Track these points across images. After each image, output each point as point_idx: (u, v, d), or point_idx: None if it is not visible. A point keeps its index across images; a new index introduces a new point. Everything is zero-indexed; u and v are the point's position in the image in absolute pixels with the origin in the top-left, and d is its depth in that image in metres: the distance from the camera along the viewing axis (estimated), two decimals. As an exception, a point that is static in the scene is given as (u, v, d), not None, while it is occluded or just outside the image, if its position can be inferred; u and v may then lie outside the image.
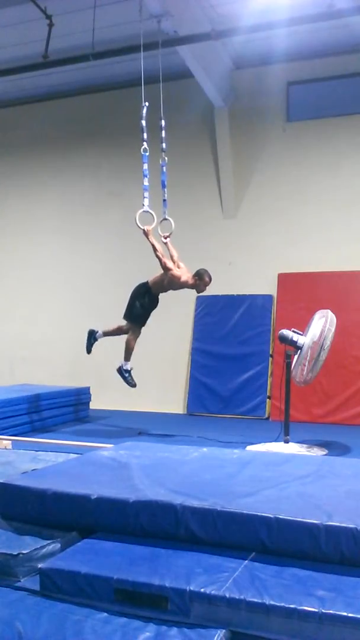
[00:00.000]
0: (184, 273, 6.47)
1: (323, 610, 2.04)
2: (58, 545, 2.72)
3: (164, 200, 6.49)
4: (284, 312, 8.27)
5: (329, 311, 5.84)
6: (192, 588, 2.20)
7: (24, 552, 2.58)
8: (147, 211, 6.18)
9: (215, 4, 7.25)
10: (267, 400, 8.24)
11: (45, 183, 9.99)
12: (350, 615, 2.02)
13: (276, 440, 5.94)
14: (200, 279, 6.45)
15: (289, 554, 2.46)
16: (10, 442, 5.63)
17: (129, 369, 6.64)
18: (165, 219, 6.50)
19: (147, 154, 6.18)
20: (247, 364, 8.43)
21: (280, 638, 2.08)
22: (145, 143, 6.18)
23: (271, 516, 2.51)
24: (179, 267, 6.54)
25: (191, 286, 6.51)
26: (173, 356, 8.93)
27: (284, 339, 5.81)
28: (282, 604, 2.09)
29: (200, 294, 6.95)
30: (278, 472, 3.31)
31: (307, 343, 5.68)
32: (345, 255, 8.23)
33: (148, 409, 8.66)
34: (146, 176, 6.17)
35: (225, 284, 8.73)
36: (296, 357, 5.84)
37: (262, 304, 8.58)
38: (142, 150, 6.16)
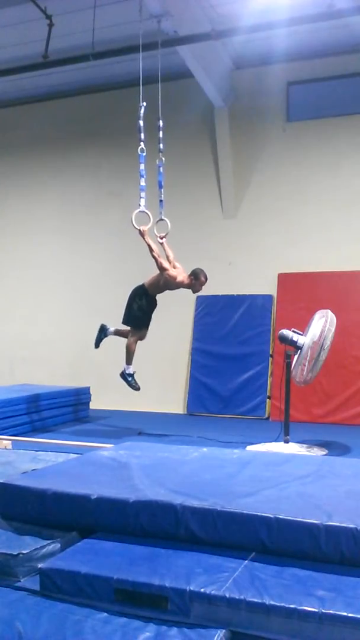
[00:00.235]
0: (180, 273, 6.48)
1: (323, 610, 2.04)
2: (58, 545, 2.72)
3: (161, 200, 6.49)
4: (284, 312, 8.27)
5: (329, 311, 5.84)
6: (192, 588, 2.20)
7: (24, 552, 2.58)
8: (144, 211, 6.19)
9: (215, 4, 7.25)
10: (267, 400, 8.24)
11: (45, 183, 10.00)
12: (350, 615, 2.02)
13: (276, 440, 5.94)
14: (196, 279, 6.45)
15: (289, 554, 2.46)
16: (10, 442, 5.62)
17: (132, 372, 6.63)
18: (161, 219, 6.50)
19: (144, 154, 6.18)
20: (247, 364, 8.43)
21: (280, 638, 2.08)
22: (142, 143, 6.17)
23: (271, 516, 2.51)
24: (174, 267, 6.55)
25: (187, 286, 6.51)
26: (173, 356, 8.93)
27: (284, 339, 5.81)
28: (282, 604, 2.09)
29: (197, 293, 6.93)
30: (278, 472, 3.31)
31: (307, 343, 5.68)
32: (345, 255, 8.23)
33: (148, 409, 8.66)
34: (143, 176, 6.17)
35: (225, 284, 8.74)
36: (296, 357, 5.84)
37: (262, 304, 8.58)
38: (139, 150, 6.16)
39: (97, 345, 6.93)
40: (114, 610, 2.26)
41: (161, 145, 6.46)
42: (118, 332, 6.89)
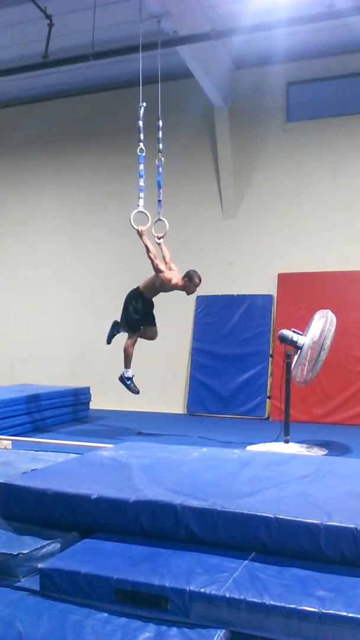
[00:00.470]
0: (175, 275, 6.47)
1: (323, 610, 2.04)
2: (58, 545, 2.72)
3: (159, 200, 6.49)
4: (284, 312, 8.27)
5: (329, 311, 5.84)
6: (192, 588, 2.20)
7: (24, 552, 2.58)
8: (142, 211, 6.19)
9: (215, 4, 7.25)
10: (267, 400, 8.24)
11: (45, 183, 10.00)
12: (350, 615, 2.02)
13: (276, 440, 5.94)
14: (190, 281, 6.43)
15: (289, 554, 2.46)
16: (10, 442, 5.62)
17: (131, 376, 6.63)
18: (159, 220, 6.50)
19: (144, 154, 6.18)
20: (247, 364, 8.43)
21: (280, 638, 2.08)
22: (141, 143, 6.17)
23: (271, 516, 2.51)
24: (170, 268, 6.54)
25: (181, 288, 6.50)
26: (173, 356, 8.93)
27: (284, 339, 5.81)
28: (282, 604, 2.09)
29: (196, 294, 6.89)
30: (278, 472, 3.31)
31: (307, 343, 5.68)
32: (345, 255, 8.23)
33: (148, 409, 8.66)
34: (142, 177, 6.17)
35: (225, 284, 8.74)
36: (296, 357, 5.84)
37: (262, 304, 8.57)
38: (138, 150, 6.16)
39: (109, 341, 6.88)
40: (114, 610, 2.26)
41: (160, 146, 6.46)
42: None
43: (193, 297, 8.57)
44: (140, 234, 6.22)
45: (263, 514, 2.53)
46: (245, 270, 8.76)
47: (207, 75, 7.92)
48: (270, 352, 8.37)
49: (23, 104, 10.05)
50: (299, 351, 5.76)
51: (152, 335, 6.81)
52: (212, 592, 2.17)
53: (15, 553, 2.56)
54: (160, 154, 6.47)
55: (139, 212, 6.18)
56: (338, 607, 2.05)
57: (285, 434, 5.78)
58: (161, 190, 6.49)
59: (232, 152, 8.74)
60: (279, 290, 8.49)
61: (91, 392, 8.19)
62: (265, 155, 8.74)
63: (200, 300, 8.83)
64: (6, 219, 10.28)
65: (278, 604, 2.09)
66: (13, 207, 10.24)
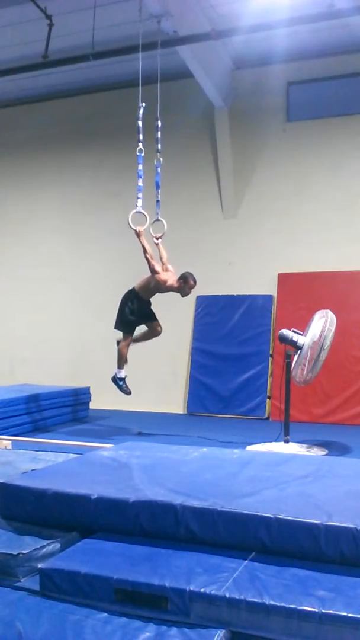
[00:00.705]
0: (170, 277, 6.45)
1: (323, 610, 2.04)
2: (58, 545, 2.72)
3: (157, 201, 6.49)
4: (284, 312, 8.27)
5: (329, 311, 5.84)
6: (192, 588, 2.20)
7: (24, 552, 2.58)
8: (140, 212, 6.19)
9: (215, 4, 7.25)
10: (267, 400, 8.24)
11: (45, 183, 10.00)
12: (350, 615, 2.02)
13: (276, 440, 5.94)
14: (185, 283, 6.41)
15: (289, 554, 2.46)
16: (10, 442, 5.62)
17: (123, 376, 6.64)
18: (157, 220, 6.50)
19: (142, 154, 6.19)
20: (247, 364, 8.43)
21: (280, 638, 2.08)
22: (140, 144, 6.18)
23: (271, 516, 2.51)
24: (167, 269, 6.54)
25: (176, 289, 6.48)
26: (173, 356, 8.93)
27: (284, 339, 5.80)
28: (282, 604, 2.09)
29: (197, 294, 6.87)
30: (278, 472, 3.31)
31: (307, 343, 5.68)
32: (345, 255, 8.23)
33: (148, 409, 8.66)
34: (140, 177, 6.17)
35: (225, 284, 8.74)
36: (296, 357, 5.84)
37: (262, 304, 8.57)
38: (137, 151, 6.17)
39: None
40: (114, 610, 2.26)
41: (159, 146, 6.46)
42: (137, 340, 6.79)
43: (193, 297, 8.59)
44: (137, 234, 6.22)
45: (263, 514, 2.53)
46: (245, 270, 8.76)
47: (207, 75, 7.92)
48: (270, 352, 8.37)
49: (23, 104, 10.05)
50: (299, 351, 5.76)
51: (156, 332, 6.74)
52: (212, 592, 2.17)
53: (15, 553, 2.56)
54: (158, 154, 6.47)
55: (137, 212, 6.18)
56: (338, 607, 2.05)
57: (285, 434, 5.78)
58: (159, 190, 6.49)
59: (232, 152, 8.74)
60: (279, 290, 8.49)
61: (91, 392, 8.19)
62: (265, 155, 8.74)
63: (200, 300, 8.83)
64: (6, 219, 10.28)
65: (278, 604, 2.09)
66: (13, 207, 10.24)
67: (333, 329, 5.63)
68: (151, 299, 6.70)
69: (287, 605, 2.08)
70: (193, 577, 2.27)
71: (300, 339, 5.76)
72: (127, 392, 6.69)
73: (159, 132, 6.44)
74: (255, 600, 2.12)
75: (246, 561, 2.43)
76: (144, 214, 6.22)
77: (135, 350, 6.67)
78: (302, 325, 6.04)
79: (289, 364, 5.81)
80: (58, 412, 7.53)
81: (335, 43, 8.04)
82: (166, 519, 2.67)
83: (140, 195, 6.17)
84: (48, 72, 8.27)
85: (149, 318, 6.72)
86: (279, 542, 2.49)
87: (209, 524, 2.60)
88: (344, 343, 7.39)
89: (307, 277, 8.31)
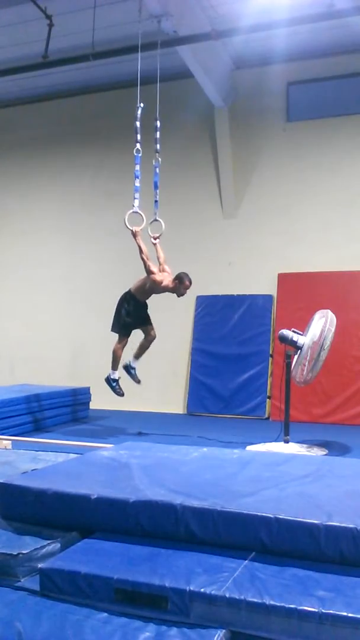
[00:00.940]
0: (166, 277, 6.44)
1: (323, 610, 2.04)
2: (58, 545, 2.72)
3: (156, 201, 6.49)
4: (284, 312, 8.27)
5: (329, 311, 5.84)
6: (192, 588, 2.20)
7: (24, 552, 2.58)
8: (137, 212, 6.19)
9: (215, 4, 7.25)
10: (267, 400, 8.24)
11: (45, 183, 10.00)
12: (350, 615, 2.02)
13: (276, 440, 5.94)
14: (181, 283, 6.38)
15: (289, 554, 2.46)
16: (10, 442, 5.62)
17: (117, 378, 6.65)
18: (155, 220, 6.50)
19: (140, 155, 6.20)
20: (247, 364, 8.43)
21: (280, 638, 2.08)
22: (138, 144, 6.18)
23: (271, 516, 2.51)
24: (164, 269, 6.53)
25: (172, 290, 6.46)
26: (173, 356, 8.93)
27: (284, 339, 5.80)
28: (282, 604, 2.09)
29: (190, 295, 6.79)
30: (278, 472, 3.31)
31: (307, 343, 5.68)
32: (345, 255, 8.23)
33: (148, 409, 8.66)
34: (137, 177, 6.18)
35: (225, 284, 8.75)
36: (296, 357, 5.84)
37: (262, 304, 8.58)
38: (134, 151, 6.17)
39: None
40: (114, 610, 2.26)
41: (158, 146, 6.47)
42: (138, 356, 6.74)
43: (193, 297, 8.60)
44: (134, 234, 6.22)
45: (263, 514, 2.53)
46: (245, 270, 8.76)
47: (207, 75, 7.92)
48: (270, 352, 8.37)
49: (23, 104, 10.05)
50: (299, 351, 5.76)
51: (150, 337, 6.71)
52: (212, 592, 2.17)
53: (15, 553, 2.56)
54: (157, 154, 6.47)
55: (133, 212, 6.19)
56: (338, 607, 2.05)
57: (285, 434, 5.78)
58: (158, 190, 6.49)
59: (232, 152, 8.74)
60: (278, 290, 8.49)
61: (91, 392, 8.19)
62: (265, 155, 8.75)
63: (200, 300, 8.83)
64: (6, 219, 10.28)
65: (278, 604, 2.09)
66: (13, 207, 10.24)
67: (333, 329, 5.63)
68: (149, 301, 6.69)
69: (287, 605, 2.08)
70: (193, 577, 2.27)
71: (300, 339, 5.76)
72: (120, 393, 6.70)
73: (158, 132, 6.45)
74: (255, 600, 2.11)
75: (246, 561, 2.43)
76: (140, 214, 6.23)
77: (121, 357, 6.66)
78: (302, 325, 6.04)
79: (289, 364, 5.81)
80: (58, 412, 7.53)
81: (335, 43, 8.04)
82: (166, 519, 2.66)
83: (137, 195, 6.18)
84: (48, 72, 8.27)
85: (145, 322, 6.68)
86: (279, 542, 2.49)
87: (209, 524, 2.60)
88: (344, 343, 7.39)
89: (307, 277, 8.31)
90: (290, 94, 8.71)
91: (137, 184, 6.18)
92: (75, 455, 4.11)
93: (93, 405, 8.24)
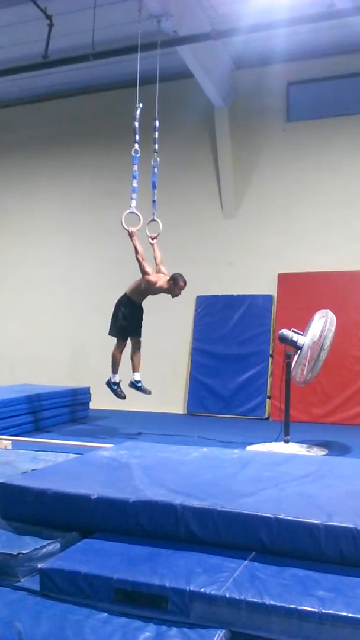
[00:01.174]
0: (161, 278, 6.43)
1: (323, 610, 2.04)
2: (58, 545, 2.72)
3: (154, 201, 6.49)
4: (284, 312, 8.27)
5: (329, 311, 5.84)
6: (192, 588, 2.20)
7: (24, 552, 2.58)
8: (134, 212, 6.19)
9: (215, 4, 7.25)
10: (267, 400, 8.24)
11: (45, 183, 10.00)
12: (350, 615, 2.01)
13: (276, 440, 5.94)
14: (175, 284, 6.38)
15: (289, 554, 2.46)
16: (10, 442, 5.62)
17: (118, 381, 6.65)
18: (153, 220, 6.50)
19: (138, 155, 6.20)
20: (247, 364, 8.43)
21: (280, 638, 2.08)
22: (136, 145, 6.19)
23: (271, 516, 2.51)
24: (159, 270, 6.52)
25: (166, 290, 6.45)
26: (173, 356, 8.93)
27: (284, 339, 5.80)
28: (282, 604, 2.09)
29: (176, 298, 6.73)
30: (278, 472, 3.31)
31: (307, 343, 5.68)
32: (345, 255, 8.23)
33: (148, 409, 8.66)
34: (135, 177, 6.19)
35: (225, 284, 8.75)
36: (296, 357, 5.84)
37: (262, 304, 8.58)
38: (132, 151, 6.17)
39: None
40: (114, 610, 2.26)
41: (156, 146, 6.47)
42: (135, 367, 6.72)
43: (193, 297, 8.60)
44: (130, 234, 6.21)
45: (263, 514, 2.53)
46: (245, 270, 8.77)
47: (207, 75, 7.92)
48: (270, 352, 8.37)
49: (23, 104, 10.05)
50: (299, 351, 5.76)
51: (138, 345, 6.70)
52: (212, 592, 2.17)
53: (15, 553, 2.56)
54: (155, 154, 6.47)
55: (130, 212, 6.19)
56: (338, 607, 2.05)
57: (285, 434, 5.78)
58: (156, 190, 6.49)
59: (232, 152, 8.74)
60: (278, 290, 8.49)
61: (91, 392, 8.19)
62: (265, 155, 8.75)
63: (200, 300, 8.83)
64: (6, 219, 10.28)
65: (278, 604, 2.09)
66: (13, 207, 10.24)
67: (333, 329, 5.63)
68: (148, 301, 6.67)
69: (287, 605, 2.08)
70: (193, 577, 2.27)
71: (300, 339, 5.76)
72: (122, 396, 6.70)
73: (157, 133, 6.45)
74: (255, 600, 2.11)
75: (246, 561, 2.43)
76: (137, 214, 6.23)
77: (121, 360, 6.66)
78: (302, 325, 6.04)
79: (289, 364, 5.81)
80: (58, 412, 7.53)
81: (335, 43, 8.04)
82: (166, 519, 2.66)
83: (134, 196, 6.18)
84: (48, 72, 8.27)
85: (138, 327, 6.67)
86: (279, 542, 2.49)
87: (209, 524, 2.60)
88: (344, 343, 7.39)
89: (307, 277, 8.31)
90: (290, 94, 8.72)
91: (135, 184, 6.18)
92: (75, 456, 4.11)
93: (93, 405, 8.24)
